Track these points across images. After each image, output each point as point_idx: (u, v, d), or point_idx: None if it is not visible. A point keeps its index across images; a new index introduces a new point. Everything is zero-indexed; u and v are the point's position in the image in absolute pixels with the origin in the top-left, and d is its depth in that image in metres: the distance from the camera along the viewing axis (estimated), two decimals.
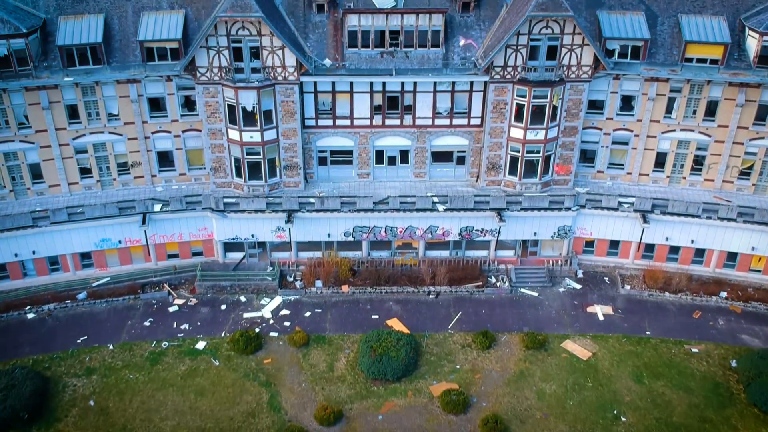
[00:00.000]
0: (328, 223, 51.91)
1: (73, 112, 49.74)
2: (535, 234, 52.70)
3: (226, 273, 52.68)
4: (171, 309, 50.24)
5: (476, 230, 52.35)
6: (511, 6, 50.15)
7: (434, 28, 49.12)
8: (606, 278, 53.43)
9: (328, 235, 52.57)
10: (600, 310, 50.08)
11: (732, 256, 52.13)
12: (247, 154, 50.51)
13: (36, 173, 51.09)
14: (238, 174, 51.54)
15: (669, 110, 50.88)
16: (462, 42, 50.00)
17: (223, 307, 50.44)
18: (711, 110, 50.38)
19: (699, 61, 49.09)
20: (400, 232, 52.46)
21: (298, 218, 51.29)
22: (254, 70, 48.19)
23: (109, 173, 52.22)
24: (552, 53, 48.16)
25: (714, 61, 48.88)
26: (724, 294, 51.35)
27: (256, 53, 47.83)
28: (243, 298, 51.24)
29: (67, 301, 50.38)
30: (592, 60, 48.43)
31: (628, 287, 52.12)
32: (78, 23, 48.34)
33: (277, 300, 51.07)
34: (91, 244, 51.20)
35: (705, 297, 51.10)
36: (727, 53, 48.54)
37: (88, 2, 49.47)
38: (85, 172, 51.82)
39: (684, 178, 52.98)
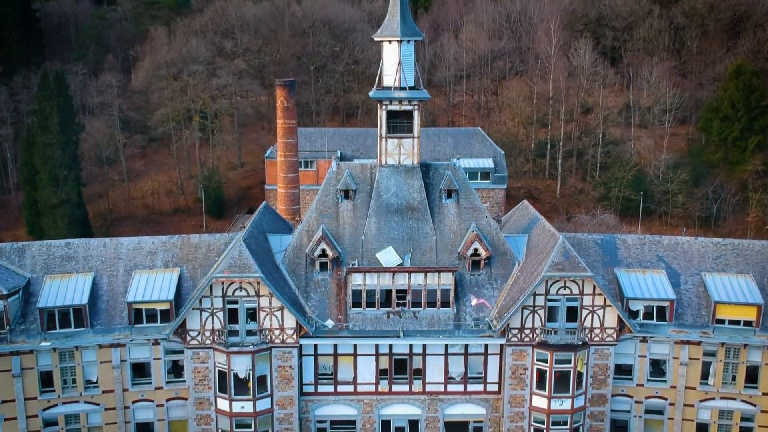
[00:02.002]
0: None
1: (46, 379, 44.92)
2: None
3: None
4: None
5: None
6: (523, 265, 47.70)
7: (444, 287, 46.13)
8: None
9: None
10: None
11: None
12: (237, 426, 44.91)
13: None
14: None
15: (705, 376, 46.30)
16: (474, 302, 46.76)
17: None
18: (752, 376, 45.79)
19: (732, 322, 45.47)
20: None
21: None
22: (250, 333, 44.36)
23: None
24: (572, 314, 44.66)
25: (748, 323, 45.23)
26: None
27: (252, 314, 44.34)
28: None
29: None
30: (616, 321, 44.83)
31: None
32: (64, 283, 45.37)
33: None
34: None
35: None
36: (762, 314, 45.05)
37: (78, 260, 47.05)
38: None
39: None
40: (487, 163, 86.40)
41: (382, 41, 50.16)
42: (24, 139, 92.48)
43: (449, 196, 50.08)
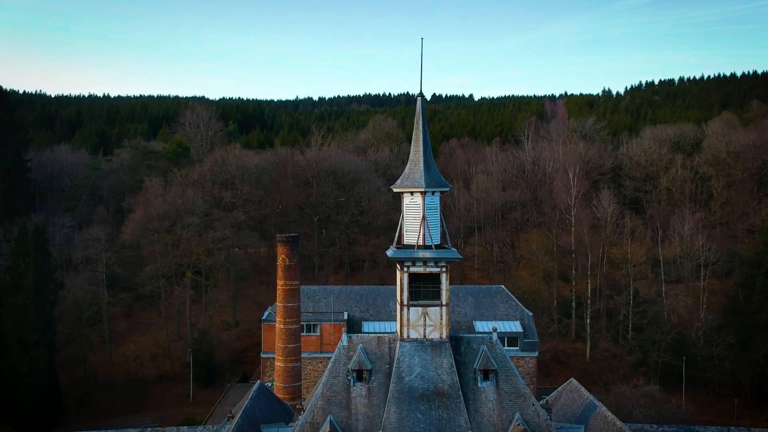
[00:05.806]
0: None
1: None
2: None
3: None
4: None
5: None
6: None
7: None
8: None
9: None
10: None
11: None
12: None
13: None
14: None
15: None
16: None
17: None
18: None
19: None
20: None
21: None
22: None
23: None
24: None
25: None
26: None
27: None
28: None
29: None
30: None
31: None
32: None
33: None
34: None
35: None
36: None
37: None
38: None
39: None
40: (515, 326, 76.29)
41: (402, 192, 42.34)
42: None
43: (486, 377, 40.62)
